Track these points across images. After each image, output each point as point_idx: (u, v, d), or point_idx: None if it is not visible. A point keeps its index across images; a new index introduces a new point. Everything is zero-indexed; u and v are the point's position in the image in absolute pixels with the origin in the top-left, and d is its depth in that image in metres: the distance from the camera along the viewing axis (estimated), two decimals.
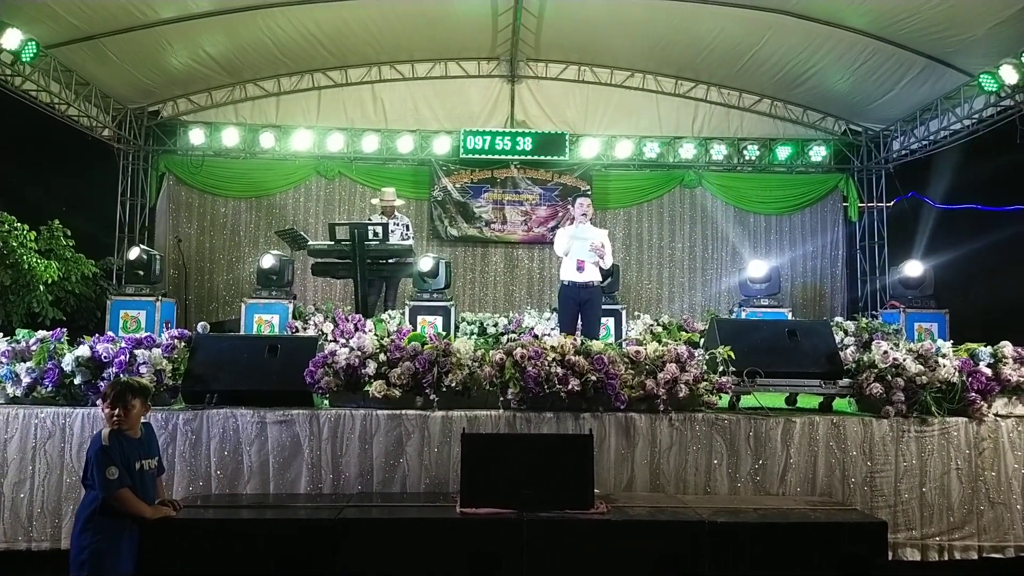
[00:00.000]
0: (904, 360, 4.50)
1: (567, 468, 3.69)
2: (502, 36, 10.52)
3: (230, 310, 10.83)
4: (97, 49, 9.14)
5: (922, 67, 9.42)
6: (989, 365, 4.59)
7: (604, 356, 4.34)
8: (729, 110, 11.71)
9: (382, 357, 4.35)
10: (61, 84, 9.33)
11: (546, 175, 11.71)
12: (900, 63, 9.47)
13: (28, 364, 4.43)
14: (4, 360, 4.50)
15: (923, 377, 4.44)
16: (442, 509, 3.72)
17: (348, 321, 7.46)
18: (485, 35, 10.47)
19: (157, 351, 4.42)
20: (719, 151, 11.72)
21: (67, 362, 4.34)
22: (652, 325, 8.63)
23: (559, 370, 4.28)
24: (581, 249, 6.52)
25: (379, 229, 7.28)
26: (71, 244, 9.58)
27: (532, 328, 8.52)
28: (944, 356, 4.61)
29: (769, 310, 9.05)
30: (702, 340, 5.75)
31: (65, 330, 4.69)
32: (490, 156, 11.44)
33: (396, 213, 8.79)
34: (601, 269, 6.68)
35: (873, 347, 4.68)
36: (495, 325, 8.95)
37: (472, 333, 8.65)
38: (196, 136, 11.28)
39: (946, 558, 4.29)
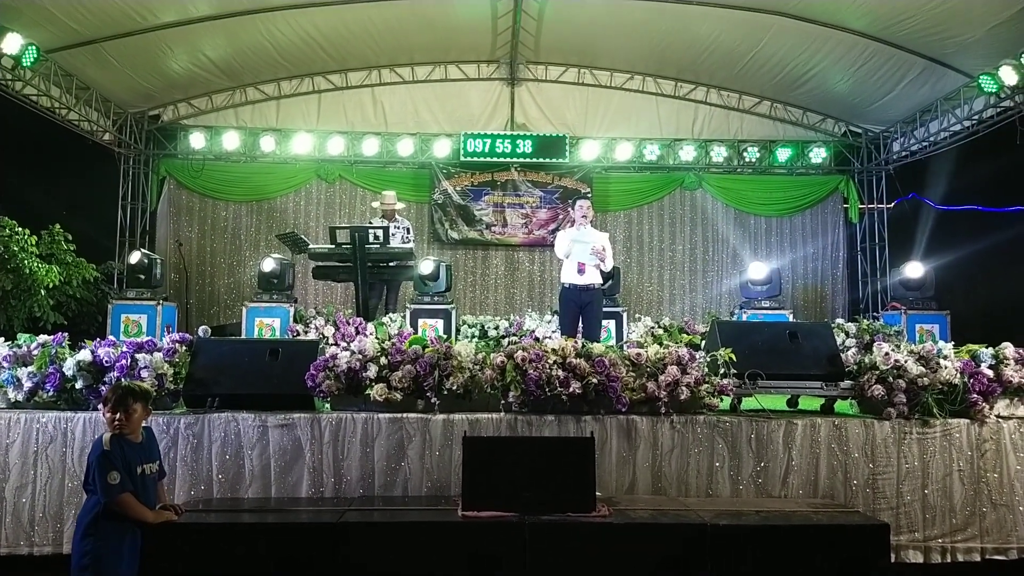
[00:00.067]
0: (905, 362, 4.50)
1: (568, 471, 3.69)
2: (502, 39, 10.53)
3: (231, 314, 10.83)
4: (97, 53, 9.15)
5: (922, 68, 9.43)
6: (991, 366, 4.58)
7: (605, 359, 4.34)
8: (729, 112, 11.72)
9: (383, 360, 4.35)
10: (62, 88, 9.34)
11: (546, 178, 11.71)
12: (900, 64, 9.47)
13: (29, 368, 4.43)
14: (6, 365, 4.50)
15: (925, 379, 4.44)
16: (444, 512, 3.72)
17: (349, 324, 7.46)
18: (485, 38, 10.48)
19: (158, 355, 4.41)
20: (719, 153, 11.73)
21: (68, 366, 4.34)
22: (653, 327, 8.64)
23: (560, 373, 4.28)
24: (582, 252, 6.52)
25: (380, 232, 7.29)
26: (72, 248, 9.58)
27: (533, 331, 8.52)
28: (945, 358, 4.61)
29: (770, 312, 9.05)
30: (703, 342, 5.74)
31: (66, 334, 4.68)
32: (490, 159, 11.45)
33: (397, 216, 8.79)
34: (602, 272, 6.68)
35: (874, 349, 4.68)
36: (496, 328, 8.95)
37: (473, 336, 8.65)
38: (196, 140, 11.29)
39: (948, 560, 4.28)
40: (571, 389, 4.24)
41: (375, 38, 10.18)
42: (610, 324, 8.49)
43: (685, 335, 8.14)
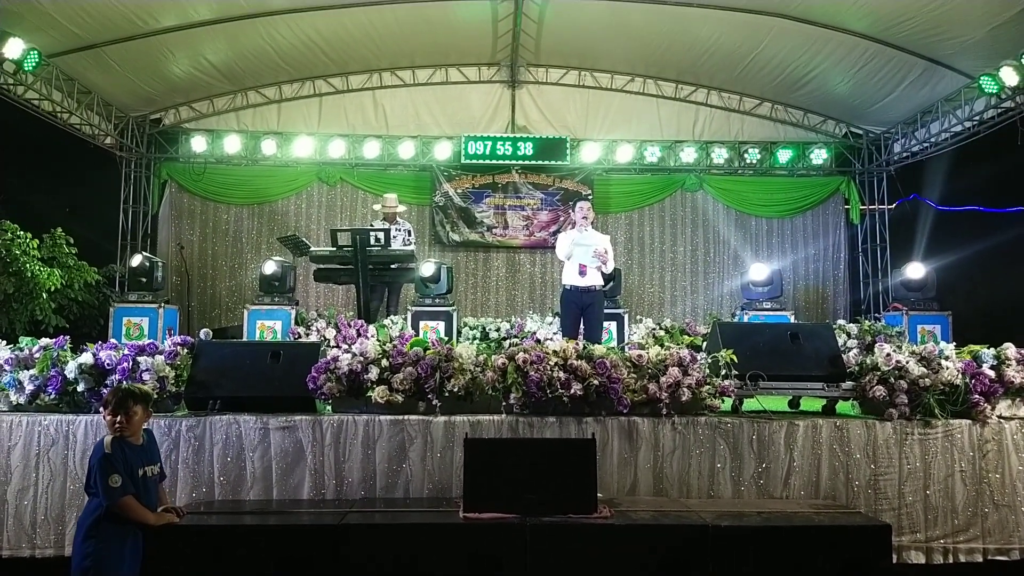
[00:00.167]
0: (907, 362, 4.50)
1: (570, 472, 3.69)
2: (502, 42, 10.54)
3: (232, 316, 10.84)
4: (99, 58, 9.17)
5: (922, 69, 9.43)
6: (992, 367, 4.58)
7: (606, 360, 4.34)
8: (730, 114, 11.72)
9: (384, 363, 4.36)
10: (63, 93, 9.36)
11: (547, 180, 11.72)
12: (900, 65, 9.47)
13: (31, 372, 4.43)
14: (7, 368, 4.50)
15: (926, 379, 4.43)
16: (445, 514, 3.72)
17: (350, 327, 7.46)
18: (485, 41, 10.49)
19: (160, 358, 4.42)
20: (720, 155, 11.73)
21: (70, 369, 4.35)
22: (654, 329, 8.63)
23: (561, 374, 4.28)
24: (584, 254, 6.52)
25: (381, 235, 7.31)
26: (74, 252, 9.60)
27: (534, 333, 8.52)
28: (947, 358, 4.60)
29: (771, 313, 9.04)
30: (704, 344, 5.74)
31: (68, 337, 4.69)
32: (491, 161, 11.46)
33: (398, 219, 8.81)
34: (603, 273, 6.68)
35: (876, 350, 4.67)
36: (497, 330, 8.94)
37: (474, 338, 8.65)
38: (198, 143, 11.31)
39: (951, 561, 4.28)
40: (572, 391, 4.24)
41: (376, 41, 10.20)
42: (611, 326, 8.49)
43: (686, 336, 8.13)
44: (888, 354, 4.55)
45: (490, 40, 10.48)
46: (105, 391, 4.06)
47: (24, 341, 4.72)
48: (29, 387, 4.39)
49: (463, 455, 3.77)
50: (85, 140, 10.32)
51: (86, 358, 4.36)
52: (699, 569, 3.47)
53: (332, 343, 6.99)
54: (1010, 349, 4.73)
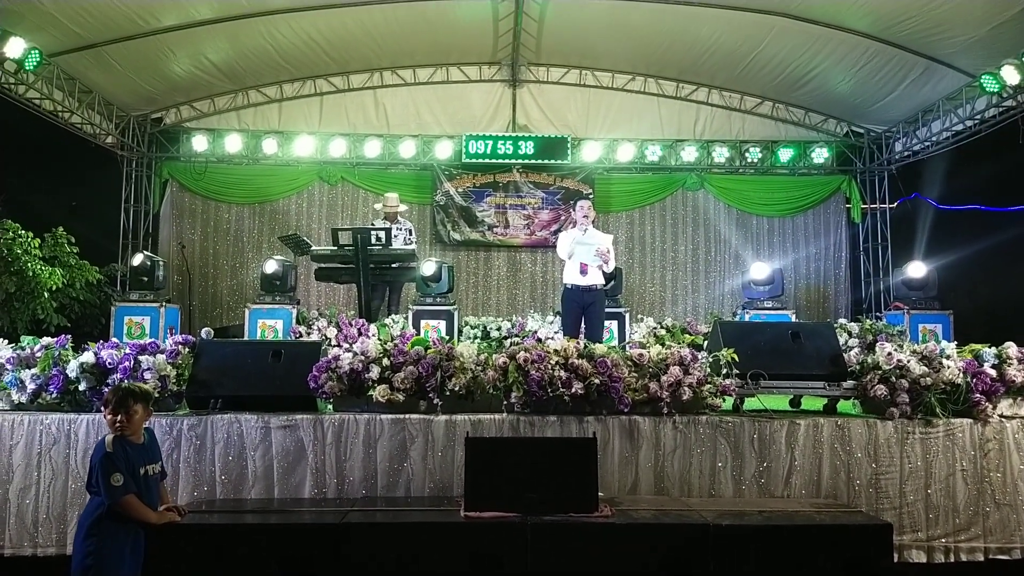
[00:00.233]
0: (908, 362, 4.50)
1: (571, 471, 3.69)
2: (503, 41, 10.54)
3: (234, 316, 10.85)
4: (100, 57, 9.17)
5: (923, 68, 9.42)
6: (993, 366, 4.58)
7: (607, 359, 4.34)
8: (731, 113, 11.72)
9: (385, 362, 4.36)
10: (64, 92, 9.37)
11: (548, 179, 11.72)
12: (901, 64, 9.46)
13: (33, 371, 4.44)
14: (9, 367, 4.51)
15: (927, 379, 4.43)
16: (446, 513, 3.72)
17: (351, 326, 7.47)
18: (486, 40, 10.49)
19: (161, 357, 4.43)
20: (721, 154, 11.73)
21: (72, 368, 4.35)
22: (655, 328, 8.62)
23: (562, 373, 4.28)
24: (586, 253, 6.52)
25: (382, 234, 7.29)
26: (75, 251, 9.60)
27: (535, 332, 8.51)
28: (948, 357, 4.60)
29: (772, 312, 9.03)
30: (705, 343, 5.74)
31: (69, 336, 4.69)
32: (492, 160, 11.46)
33: (399, 218, 8.80)
34: (604, 272, 6.68)
35: (877, 349, 4.67)
36: (498, 329, 8.94)
37: (475, 337, 8.65)
38: (199, 143, 11.31)
39: (952, 560, 4.28)
40: (573, 390, 4.24)
41: (377, 40, 10.20)
42: (612, 325, 8.49)
43: (687, 335, 8.12)
44: (889, 353, 4.55)
45: (491, 39, 10.47)
46: (107, 390, 4.07)
47: (26, 340, 4.73)
48: (31, 386, 4.39)
49: (464, 454, 3.77)
50: (86, 139, 10.33)
51: (87, 357, 4.37)
52: (700, 568, 3.47)
53: (333, 342, 7.00)
54: (1011, 348, 4.73)
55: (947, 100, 9.79)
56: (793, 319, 8.91)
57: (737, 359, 4.47)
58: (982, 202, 11.65)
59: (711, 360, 4.59)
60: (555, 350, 4.41)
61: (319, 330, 7.77)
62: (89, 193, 11.67)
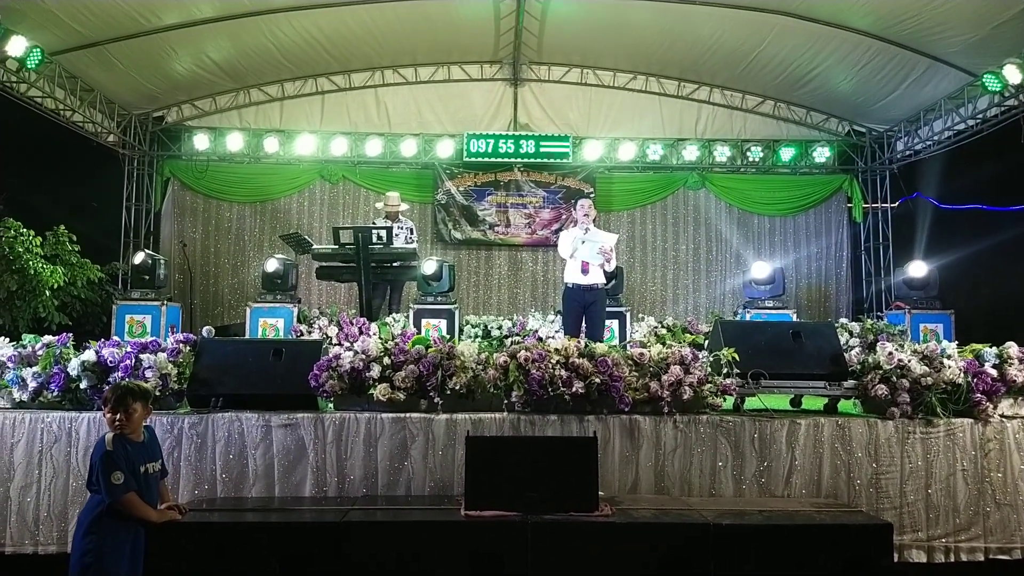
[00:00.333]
0: (909, 361, 4.49)
1: (571, 471, 3.69)
2: (505, 39, 10.54)
3: (235, 314, 10.85)
4: (102, 55, 9.18)
5: (925, 67, 9.41)
6: (994, 366, 4.58)
7: (608, 358, 4.34)
8: (732, 112, 11.71)
9: (386, 360, 4.36)
10: (66, 90, 9.38)
11: (549, 178, 11.72)
12: (903, 63, 9.45)
13: (34, 369, 4.45)
14: (10, 365, 4.52)
15: (928, 378, 4.43)
16: (447, 512, 3.72)
17: (352, 325, 7.48)
18: (488, 38, 10.49)
19: (162, 355, 4.43)
20: (722, 153, 11.71)
21: (73, 367, 4.36)
22: (656, 327, 8.63)
23: (563, 373, 4.28)
24: (589, 251, 6.52)
25: (383, 233, 7.30)
26: (77, 249, 9.61)
27: (536, 331, 8.53)
28: (949, 357, 4.60)
29: (773, 311, 9.03)
30: (706, 342, 5.74)
31: (71, 335, 4.70)
32: (493, 159, 11.46)
33: (400, 217, 8.80)
34: (605, 272, 6.68)
35: (878, 348, 4.67)
36: (499, 328, 8.96)
37: (476, 336, 8.66)
38: (200, 141, 11.32)
39: (952, 560, 4.28)
40: (574, 389, 4.24)
41: (378, 39, 10.20)
42: (613, 324, 8.50)
43: (688, 335, 8.12)
44: (890, 353, 4.54)
45: (492, 38, 10.47)
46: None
47: (27, 338, 4.74)
48: (32, 384, 4.40)
49: (465, 453, 3.77)
50: (88, 138, 10.34)
51: (89, 355, 4.38)
52: (700, 567, 3.47)
53: (334, 341, 7.00)
54: (1012, 348, 4.72)
55: (949, 99, 9.78)
56: (794, 318, 8.92)
57: (738, 358, 4.46)
58: (984, 202, 11.63)
59: (712, 359, 4.59)
60: (556, 349, 4.41)
61: (320, 329, 7.79)
62: (91, 191, 11.68)
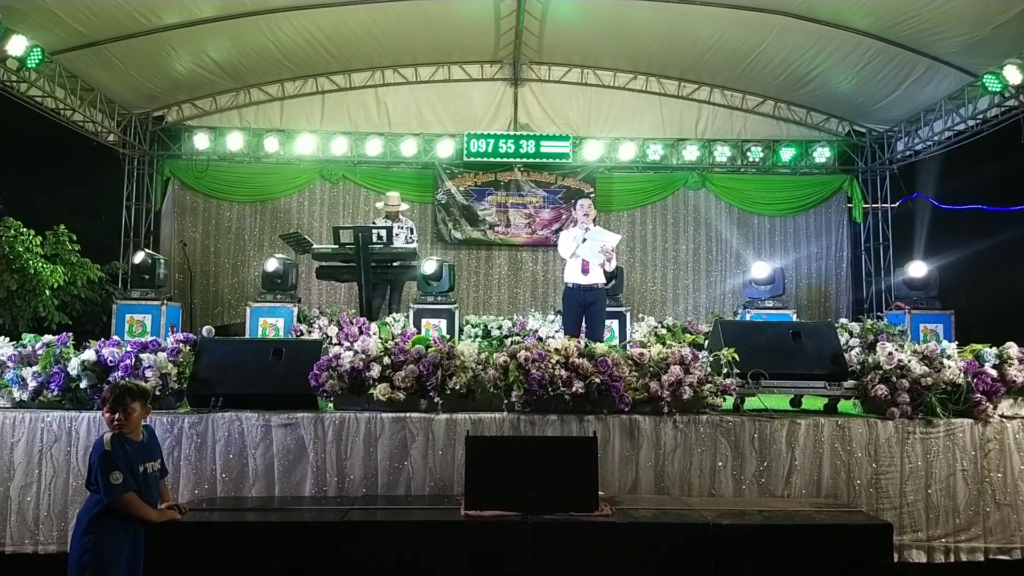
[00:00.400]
0: (909, 361, 4.49)
1: (571, 470, 3.69)
2: (505, 39, 10.53)
3: (235, 314, 10.85)
4: (102, 55, 9.18)
5: (926, 68, 9.41)
6: (994, 366, 4.57)
7: (608, 358, 4.34)
8: (732, 112, 11.71)
9: (386, 360, 4.36)
10: (66, 90, 9.38)
11: (549, 178, 11.72)
12: (903, 64, 9.45)
13: (34, 368, 4.45)
14: (10, 364, 4.52)
15: (928, 378, 4.43)
16: (446, 511, 3.72)
17: (352, 324, 7.48)
18: (488, 38, 10.49)
19: (162, 355, 4.43)
20: (723, 153, 11.71)
21: (73, 366, 4.36)
22: (656, 327, 8.62)
23: (563, 372, 4.28)
24: (590, 249, 6.52)
25: (383, 232, 7.30)
26: (76, 249, 9.61)
27: (536, 331, 8.52)
28: (949, 357, 4.60)
29: (774, 312, 9.03)
30: (706, 342, 5.74)
31: (71, 334, 4.70)
32: (493, 159, 11.46)
33: (400, 216, 8.80)
34: (605, 272, 6.69)
35: (878, 348, 4.67)
36: (499, 328, 8.95)
37: (476, 336, 8.66)
38: (201, 141, 11.32)
39: (952, 560, 4.28)
40: (574, 389, 4.24)
41: (378, 39, 10.20)
42: (613, 324, 8.49)
43: (688, 335, 8.12)
44: (890, 353, 4.54)
45: (493, 38, 10.47)
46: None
47: (27, 338, 4.74)
48: (32, 384, 4.40)
49: (465, 453, 3.77)
50: (88, 137, 10.34)
51: (89, 355, 4.38)
52: (700, 567, 3.47)
53: (334, 341, 7.00)
54: (1012, 348, 4.72)
55: (949, 100, 9.78)
56: (794, 319, 8.91)
57: (738, 358, 4.47)
58: (984, 202, 11.63)
59: (712, 359, 4.59)
60: (556, 349, 4.41)
61: (320, 328, 7.78)
62: (91, 191, 11.68)
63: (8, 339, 4.78)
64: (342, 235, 7.30)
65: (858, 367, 4.65)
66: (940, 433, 4.37)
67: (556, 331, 8.14)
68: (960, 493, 4.32)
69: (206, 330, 4.88)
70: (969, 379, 4.45)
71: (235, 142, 11.33)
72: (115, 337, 5.25)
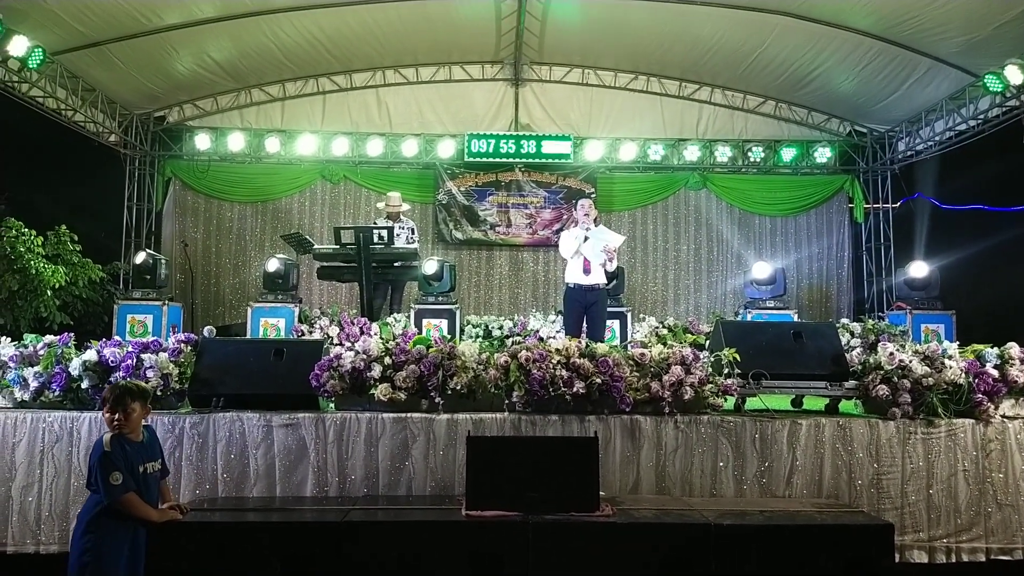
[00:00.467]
0: (910, 362, 4.49)
1: (572, 471, 3.69)
2: (506, 40, 10.53)
3: (236, 314, 10.86)
4: (103, 55, 9.18)
5: (927, 68, 9.40)
6: (996, 366, 4.57)
7: (609, 359, 4.34)
8: (733, 112, 11.70)
9: (387, 360, 4.36)
10: (67, 90, 9.38)
11: (550, 178, 11.72)
12: (905, 64, 9.44)
13: (36, 368, 4.45)
14: (12, 365, 4.53)
15: (929, 379, 4.43)
16: (447, 512, 3.73)
17: (353, 324, 7.48)
18: (489, 39, 10.49)
19: (164, 355, 4.44)
20: (723, 153, 11.71)
21: (74, 366, 4.36)
22: (657, 327, 8.63)
23: (564, 373, 4.28)
24: (592, 249, 6.52)
25: (384, 233, 7.30)
26: (78, 249, 9.61)
27: (537, 331, 8.53)
28: (950, 357, 4.59)
29: (774, 312, 9.04)
30: (707, 342, 5.74)
31: (72, 335, 4.71)
32: (494, 159, 11.46)
33: (401, 217, 8.80)
34: (606, 272, 6.69)
35: (879, 349, 4.67)
36: (500, 328, 8.96)
37: (477, 336, 8.66)
38: (202, 141, 11.32)
39: (953, 560, 4.27)
40: (575, 389, 4.24)
41: (379, 39, 10.20)
42: (614, 324, 8.50)
43: (689, 335, 8.13)
44: (891, 353, 4.54)
45: (493, 38, 10.47)
46: None
47: (29, 338, 4.74)
48: (33, 384, 4.41)
49: (466, 453, 3.78)
50: (89, 137, 10.35)
51: (90, 355, 4.38)
52: (701, 567, 3.47)
53: (335, 341, 7.01)
54: (1014, 348, 4.72)
55: (950, 100, 9.78)
56: (795, 319, 8.92)
57: (739, 359, 4.47)
58: (985, 202, 11.62)
59: (713, 360, 4.59)
60: (557, 349, 4.41)
61: (321, 329, 7.79)
62: (92, 191, 11.69)
63: (10, 339, 4.78)
64: (343, 235, 7.30)
65: (859, 367, 4.64)
66: (941, 433, 4.37)
67: (557, 331, 8.13)
68: (961, 493, 4.32)
69: (207, 330, 4.88)
70: (970, 379, 4.45)
71: (236, 142, 11.34)
72: (116, 337, 5.26)
